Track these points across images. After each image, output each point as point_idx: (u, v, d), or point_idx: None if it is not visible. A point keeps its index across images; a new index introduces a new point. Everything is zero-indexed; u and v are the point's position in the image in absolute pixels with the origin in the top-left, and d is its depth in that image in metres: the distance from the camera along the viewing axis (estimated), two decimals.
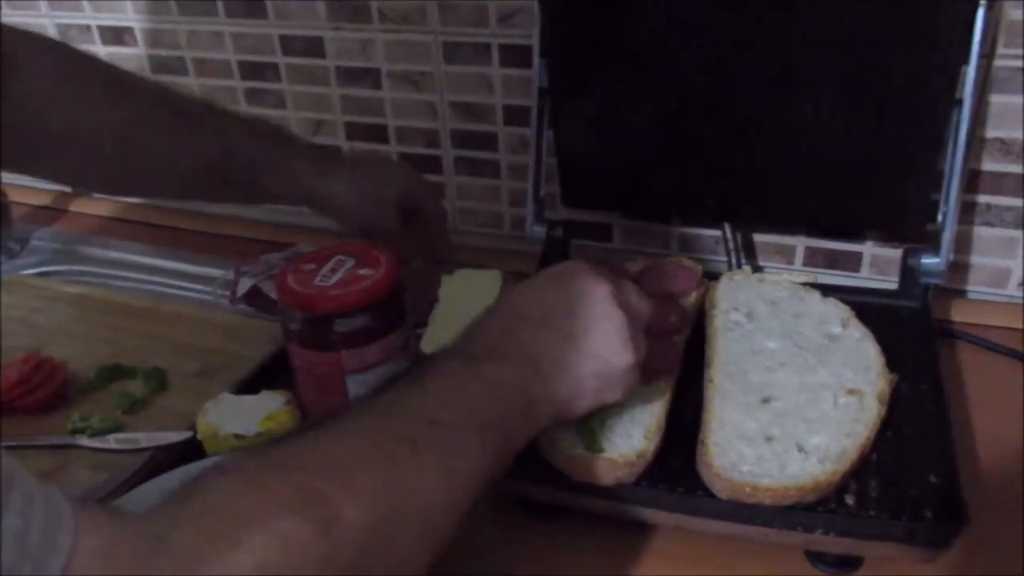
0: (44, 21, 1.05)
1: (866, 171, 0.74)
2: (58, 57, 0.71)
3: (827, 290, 0.72)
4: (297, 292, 0.62)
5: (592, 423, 0.58)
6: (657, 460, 0.58)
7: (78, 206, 1.11)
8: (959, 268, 0.82)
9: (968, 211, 0.79)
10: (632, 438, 0.58)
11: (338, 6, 0.90)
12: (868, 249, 0.84)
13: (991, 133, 0.76)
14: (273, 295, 0.68)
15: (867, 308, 0.70)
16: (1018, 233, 0.79)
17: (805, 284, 0.73)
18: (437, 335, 0.72)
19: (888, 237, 0.82)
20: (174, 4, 0.98)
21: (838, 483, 0.55)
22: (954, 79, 0.67)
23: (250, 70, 0.99)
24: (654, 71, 0.75)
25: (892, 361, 0.64)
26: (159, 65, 1.03)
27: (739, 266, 0.83)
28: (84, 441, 0.68)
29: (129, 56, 1.04)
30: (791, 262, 0.88)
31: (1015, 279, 0.81)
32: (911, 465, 0.57)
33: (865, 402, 0.60)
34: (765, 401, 0.61)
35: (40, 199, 1.11)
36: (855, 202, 0.76)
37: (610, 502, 0.58)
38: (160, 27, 1.00)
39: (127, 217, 1.08)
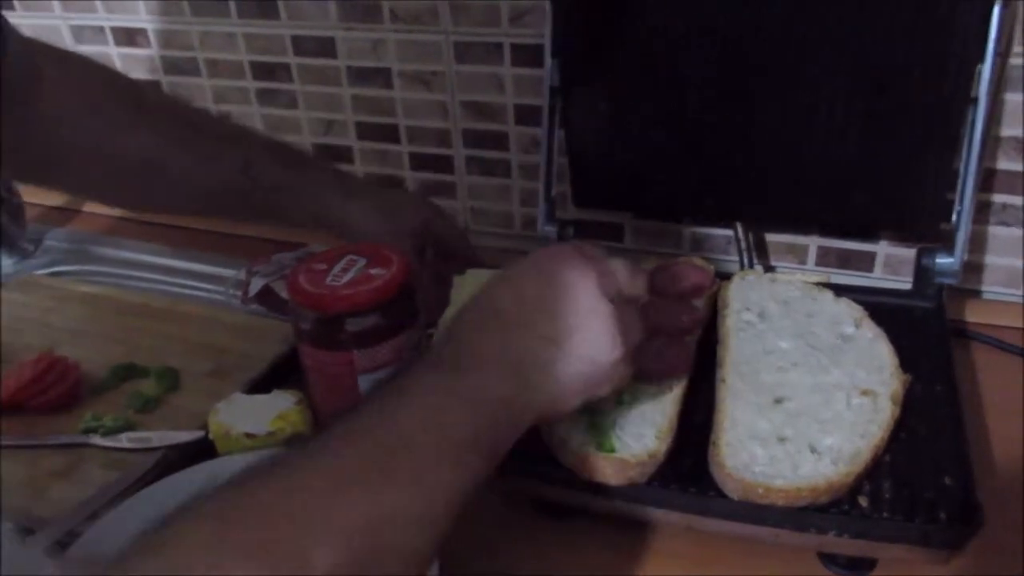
0: (57, 22, 1.06)
1: (880, 170, 0.73)
2: (87, 75, 0.72)
3: (840, 290, 0.71)
4: (309, 292, 0.63)
5: (604, 423, 0.58)
6: (669, 460, 0.57)
7: (91, 207, 1.12)
8: (973, 268, 0.81)
9: (983, 210, 0.78)
10: (644, 438, 0.58)
11: (350, 6, 0.91)
12: (882, 249, 0.84)
13: (1006, 132, 0.75)
14: (285, 295, 0.68)
15: (880, 308, 0.69)
16: None
17: (818, 284, 0.72)
18: None
19: (902, 237, 0.82)
20: (186, 5, 0.98)
21: (851, 484, 0.54)
22: (969, 77, 0.67)
23: (262, 70, 0.99)
24: (666, 70, 0.75)
25: (906, 362, 0.63)
26: (171, 66, 1.03)
27: (751, 266, 0.83)
28: (97, 440, 0.68)
29: (141, 57, 1.04)
30: (803, 262, 0.87)
31: None
32: (925, 466, 0.57)
33: (879, 403, 0.59)
34: (778, 401, 0.60)
35: (54, 200, 1.12)
36: (869, 201, 0.76)
37: (621, 502, 0.57)
38: (172, 28, 1.01)
39: (139, 217, 1.08)
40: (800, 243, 0.86)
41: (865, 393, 0.60)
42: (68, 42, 1.06)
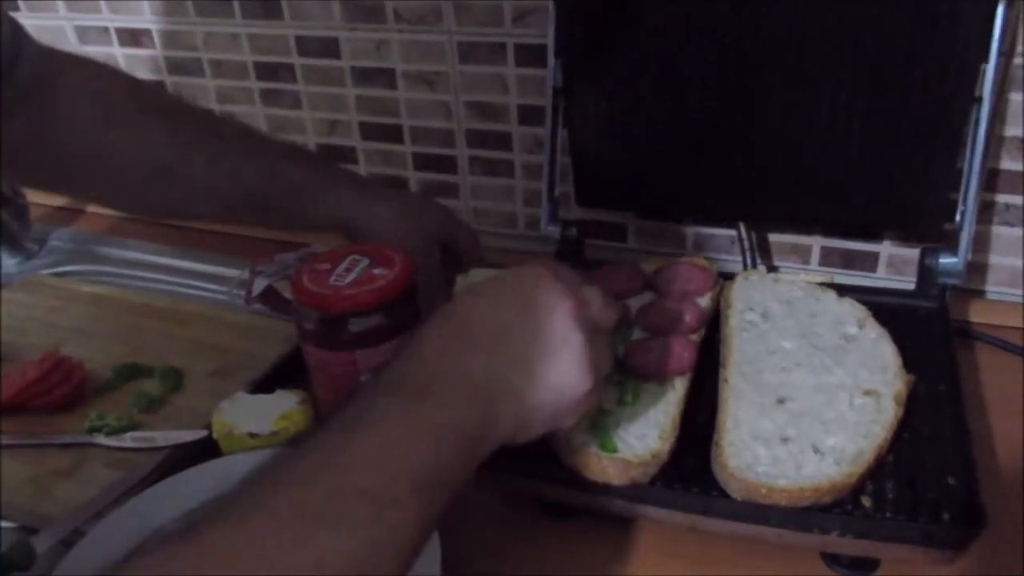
0: (62, 23, 1.06)
1: (884, 170, 0.73)
2: (104, 81, 0.72)
3: (843, 290, 0.71)
4: (312, 292, 0.63)
5: (606, 423, 0.58)
6: (672, 460, 0.57)
7: (95, 207, 1.12)
8: (977, 268, 0.81)
9: (986, 210, 0.78)
10: (647, 438, 0.58)
11: (353, 7, 0.91)
12: (885, 249, 0.84)
13: (1010, 131, 0.75)
14: (288, 295, 0.68)
15: (884, 308, 0.69)
16: None
17: (821, 284, 0.72)
18: None
19: (905, 237, 0.82)
20: (190, 5, 0.99)
21: (854, 484, 0.54)
22: (972, 77, 0.67)
23: (266, 71, 0.99)
24: (669, 70, 0.75)
25: (909, 362, 0.63)
26: (175, 67, 1.04)
27: (754, 266, 0.83)
28: (101, 440, 0.68)
29: (145, 58, 1.04)
30: (807, 262, 0.87)
31: None
32: (928, 466, 0.57)
33: (882, 403, 0.59)
34: (781, 402, 0.60)
35: (58, 200, 1.12)
36: (871, 201, 0.76)
37: (624, 502, 0.57)
38: (177, 28, 1.01)
39: (143, 218, 1.09)
40: (804, 243, 0.86)
41: (868, 393, 0.60)
42: (72, 42, 1.06)
